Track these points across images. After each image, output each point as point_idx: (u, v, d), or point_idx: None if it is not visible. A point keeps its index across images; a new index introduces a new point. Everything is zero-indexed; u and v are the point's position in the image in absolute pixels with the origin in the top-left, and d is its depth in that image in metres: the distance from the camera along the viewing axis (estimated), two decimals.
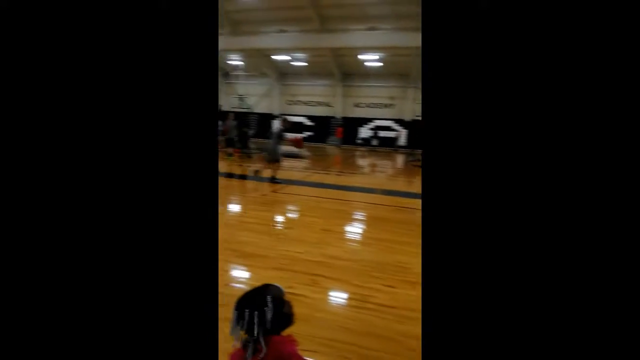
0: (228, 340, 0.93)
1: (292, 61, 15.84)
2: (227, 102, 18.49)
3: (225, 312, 1.76)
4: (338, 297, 1.98)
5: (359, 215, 3.96)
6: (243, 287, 2.02)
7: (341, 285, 2.12)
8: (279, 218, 3.70)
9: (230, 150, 8.32)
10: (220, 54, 15.84)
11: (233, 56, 16.18)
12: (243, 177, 6.19)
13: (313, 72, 17.21)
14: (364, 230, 3.38)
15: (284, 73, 17.97)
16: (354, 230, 3.39)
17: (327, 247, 2.75)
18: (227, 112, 9.99)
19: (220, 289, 1.95)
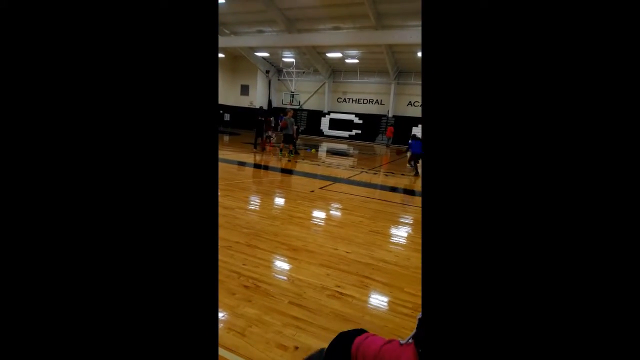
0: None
1: (345, 58, 15.79)
2: (278, 98, 19.07)
3: (271, 302, 1.78)
4: (389, 302, 1.90)
5: (408, 219, 3.80)
6: (288, 280, 2.04)
7: (392, 290, 2.03)
8: (327, 215, 3.69)
9: (284, 146, 8.54)
10: (274, 50, 16.39)
11: (287, 53, 16.61)
12: (293, 172, 6.31)
13: (366, 69, 16.97)
14: (413, 235, 3.23)
15: (336, 70, 17.98)
16: (403, 234, 3.26)
17: (375, 250, 2.67)
18: (281, 109, 10.27)
19: (268, 280, 2.00)
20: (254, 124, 9.59)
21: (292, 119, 8.46)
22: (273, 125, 10.11)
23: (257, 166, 6.99)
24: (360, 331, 1.00)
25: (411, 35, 11.34)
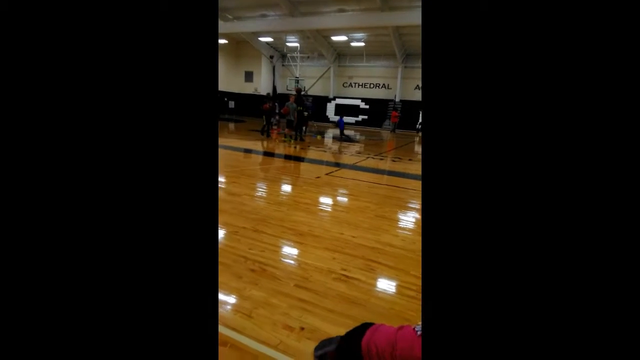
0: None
1: (350, 42, 15.43)
2: (283, 84, 18.86)
3: (277, 285, 1.80)
4: (394, 285, 1.91)
5: (415, 203, 3.77)
6: (294, 263, 2.06)
7: (397, 274, 2.03)
8: (333, 201, 3.69)
9: (287, 132, 8.51)
10: (278, 35, 16.09)
11: (290, 38, 16.29)
12: (299, 159, 6.30)
13: (372, 52, 16.58)
14: (420, 220, 3.21)
15: (342, 54, 17.63)
16: (409, 219, 3.24)
17: (381, 234, 2.66)
18: (283, 95, 10.21)
19: (274, 264, 2.02)
20: (262, 111, 9.54)
21: (295, 105, 8.37)
22: (277, 111, 10.04)
23: (263, 153, 6.98)
24: (368, 325, 0.90)
25: (418, 16, 10.96)
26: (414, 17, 11.17)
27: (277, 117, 9.89)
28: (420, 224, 3.07)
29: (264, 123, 9.44)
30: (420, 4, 11.75)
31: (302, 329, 1.45)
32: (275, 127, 9.86)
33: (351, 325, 1.58)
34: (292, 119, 8.38)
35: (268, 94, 11.53)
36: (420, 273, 1.82)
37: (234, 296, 1.67)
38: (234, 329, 1.41)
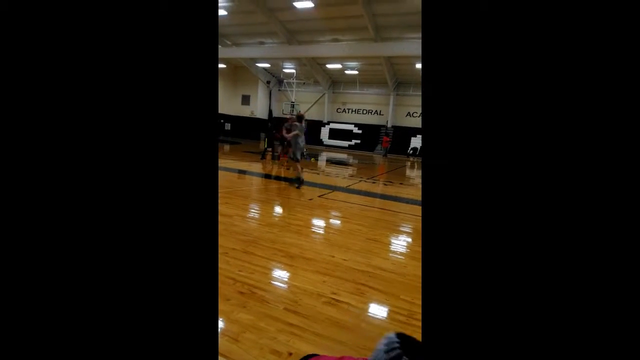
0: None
1: (344, 69, 16.00)
2: (278, 108, 19.24)
3: (266, 309, 1.76)
4: (384, 310, 1.89)
5: (407, 227, 3.79)
6: (284, 286, 2.03)
7: (388, 298, 2.01)
8: (325, 223, 3.69)
9: (277, 154, 8.59)
10: (275, 62, 16.63)
11: (287, 64, 16.84)
12: (290, 180, 6.33)
13: (365, 80, 17.17)
14: (411, 244, 3.22)
15: (336, 81, 18.20)
16: (401, 242, 3.25)
17: (372, 257, 2.66)
18: (278, 118, 10.39)
19: (264, 286, 1.99)
20: (268, 133, 9.71)
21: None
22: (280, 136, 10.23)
23: (256, 175, 7.00)
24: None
25: (409, 47, 11.52)
26: (405, 48, 11.73)
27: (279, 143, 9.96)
28: (411, 248, 3.08)
29: (266, 147, 9.58)
30: (411, 35, 12.18)
31: (290, 354, 1.41)
32: (277, 151, 9.86)
33: (339, 350, 1.54)
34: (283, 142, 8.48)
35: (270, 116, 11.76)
36: (411, 298, 1.83)
37: (221, 319, 1.63)
38: (220, 354, 1.37)
